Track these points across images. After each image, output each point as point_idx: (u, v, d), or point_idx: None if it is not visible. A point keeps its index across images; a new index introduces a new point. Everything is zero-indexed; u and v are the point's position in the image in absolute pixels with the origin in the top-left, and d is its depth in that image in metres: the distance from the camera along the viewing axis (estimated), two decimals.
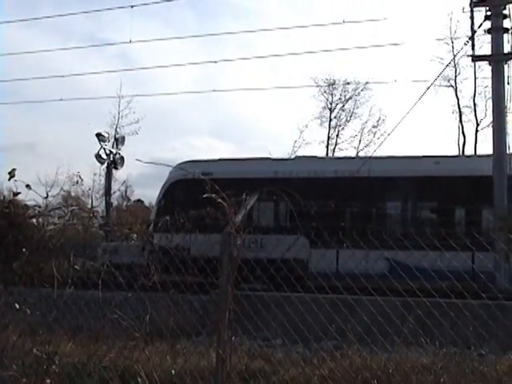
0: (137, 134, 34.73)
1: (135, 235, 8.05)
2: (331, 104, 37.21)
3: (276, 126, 54.39)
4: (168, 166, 13.86)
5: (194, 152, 60.00)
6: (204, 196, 4.81)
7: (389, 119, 36.08)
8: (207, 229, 5.48)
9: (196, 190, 4.95)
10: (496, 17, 15.13)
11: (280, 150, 56.71)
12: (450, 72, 31.78)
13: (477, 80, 30.93)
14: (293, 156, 31.45)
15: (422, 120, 44.69)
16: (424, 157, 17.01)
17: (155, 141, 56.61)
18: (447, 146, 43.48)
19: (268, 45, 42.53)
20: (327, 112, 37.23)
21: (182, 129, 56.71)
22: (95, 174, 34.10)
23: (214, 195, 4.78)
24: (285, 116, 52.27)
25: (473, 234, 6.14)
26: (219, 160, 18.54)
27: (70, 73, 35.54)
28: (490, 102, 20.90)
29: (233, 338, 4.72)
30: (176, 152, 53.89)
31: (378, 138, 34.98)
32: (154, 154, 44.59)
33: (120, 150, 27.92)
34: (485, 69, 25.26)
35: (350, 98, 37.09)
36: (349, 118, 37.46)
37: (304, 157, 19.75)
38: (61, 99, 25.84)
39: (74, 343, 6.73)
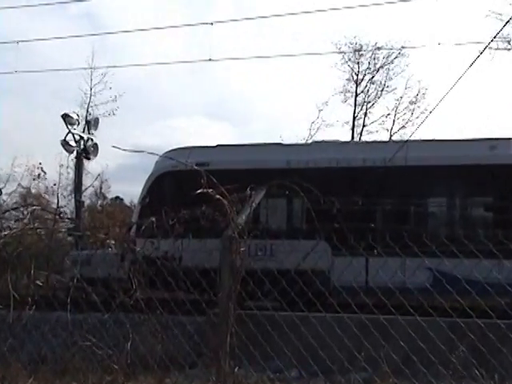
0: (114, 114, 34.88)
1: (113, 241, 8.08)
2: (357, 75, 37.15)
3: (288, 104, 54.37)
4: (153, 154, 13.83)
5: (185, 137, 60.04)
6: (198, 191, 4.81)
7: (430, 93, 35.91)
8: (203, 233, 5.49)
9: (189, 185, 4.95)
10: None
11: (293, 133, 56.69)
12: (510, 30, 31.54)
13: None
14: (310, 141, 31.51)
15: (473, 93, 44.52)
16: (476, 140, 16.97)
17: (136, 123, 56.83)
18: (507, 127, 43.36)
19: (275, 3, 42.37)
20: (352, 85, 37.18)
21: (169, 108, 56.85)
22: (62, 166, 34.20)
23: (210, 190, 4.78)
24: (299, 91, 52.17)
25: None
26: (217, 146, 18.56)
27: (25, 38, 34.65)
28: None
29: (236, 369, 4.73)
30: (163, 137, 54.07)
31: (417, 118, 34.95)
32: (135, 140, 44.80)
33: (93, 135, 27.97)
34: None
35: (381, 67, 36.97)
36: (380, 93, 37.38)
37: (323, 142, 19.74)
38: (15, 71, 25.64)
39: (34, 379, 6.74)
